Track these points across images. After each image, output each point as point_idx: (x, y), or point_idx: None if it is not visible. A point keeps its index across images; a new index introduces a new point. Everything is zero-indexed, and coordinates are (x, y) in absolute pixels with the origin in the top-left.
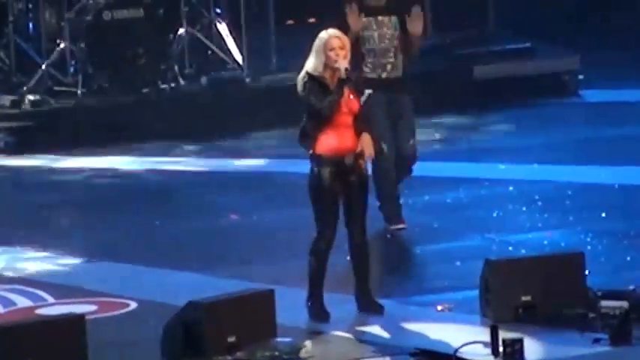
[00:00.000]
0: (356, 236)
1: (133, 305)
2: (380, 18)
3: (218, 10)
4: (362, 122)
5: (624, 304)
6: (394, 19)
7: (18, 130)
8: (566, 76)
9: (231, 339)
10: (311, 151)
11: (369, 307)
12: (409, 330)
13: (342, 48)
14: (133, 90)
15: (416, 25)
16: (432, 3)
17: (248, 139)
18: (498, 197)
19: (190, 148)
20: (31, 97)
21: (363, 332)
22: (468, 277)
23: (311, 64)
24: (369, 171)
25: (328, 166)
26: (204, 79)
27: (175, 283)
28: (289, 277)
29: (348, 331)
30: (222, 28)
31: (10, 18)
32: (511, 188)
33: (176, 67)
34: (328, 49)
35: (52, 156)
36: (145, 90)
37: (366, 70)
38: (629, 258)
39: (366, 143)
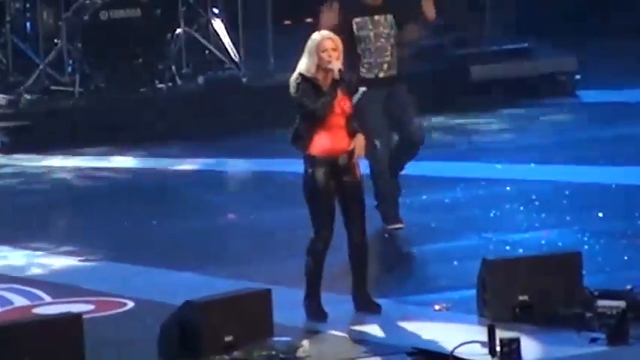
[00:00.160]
0: (355, 237)
1: (130, 304)
2: (376, 17)
3: (215, 10)
4: (355, 123)
5: (621, 303)
6: (390, 17)
7: (15, 130)
8: (563, 77)
9: (228, 338)
10: (305, 153)
11: (366, 307)
12: (406, 329)
13: (334, 49)
14: (130, 90)
15: (430, 10)
16: None
17: (245, 138)
18: (496, 197)
19: (188, 147)
20: (28, 96)
21: (360, 332)
22: (465, 276)
23: (304, 65)
24: (366, 170)
25: (322, 167)
26: (201, 79)
27: (172, 282)
28: (286, 276)
29: (345, 331)
30: (218, 25)
31: (8, 17)
32: (508, 188)
33: (173, 67)
34: (321, 50)
35: (49, 155)
36: (142, 90)
37: (363, 70)
38: (626, 258)
39: (359, 144)
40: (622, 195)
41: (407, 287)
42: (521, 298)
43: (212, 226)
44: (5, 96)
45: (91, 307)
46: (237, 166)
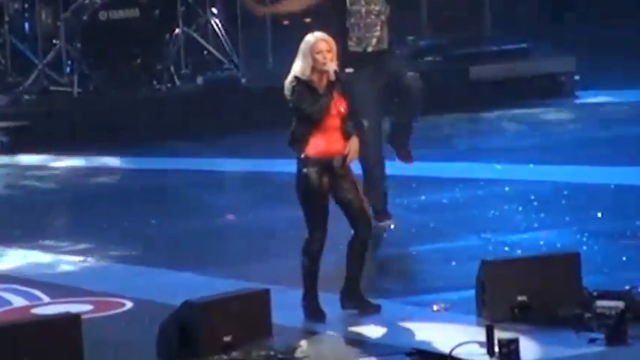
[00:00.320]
0: (362, 233)
1: (129, 305)
2: None
3: (214, 10)
4: (350, 123)
5: (620, 304)
6: None
7: (14, 130)
8: (562, 77)
9: (227, 338)
10: (300, 154)
11: (364, 308)
12: (405, 330)
13: (329, 50)
14: (129, 90)
15: None
16: (429, 3)
17: (244, 138)
18: (494, 197)
19: (187, 147)
20: (27, 96)
21: (359, 332)
22: (463, 277)
23: (298, 67)
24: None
25: (315, 167)
26: (200, 80)
27: (171, 282)
28: (285, 276)
29: (343, 331)
30: (215, 23)
31: (6, 18)
32: (507, 188)
33: (172, 68)
34: (315, 52)
35: (48, 156)
36: (141, 90)
37: (351, 44)
38: (624, 258)
39: (353, 148)
40: (621, 195)
41: (405, 288)
42: (519, 298)
43: (211, 226)
44: (4, 96)
45: (89, 307)
46: (235, 167)
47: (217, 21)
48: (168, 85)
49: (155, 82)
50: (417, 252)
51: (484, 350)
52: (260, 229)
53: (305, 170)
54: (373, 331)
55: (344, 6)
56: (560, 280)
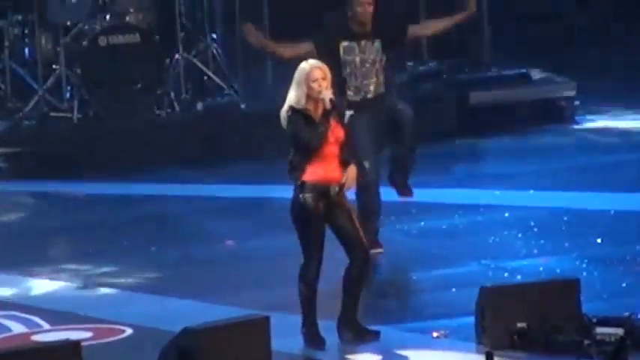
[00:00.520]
0: (358, 261)
1: (129, 331)
2: (363, 42)
3: (214, 36)
4: (348, 151)
5: (620, 330)
6: (377, 43)
7: (14, 156)
8: (562, 103)
9: None
10: (297, 181)
11: (362, 336)
12: (405, 356)
13: (324, 78)
14: (128, 115)
15: (472, 4)
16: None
17: (244, 164)
18: (494, 223)
19: (186, 174)
20: (26, 122)
21: (359, 359)
22: (463, 303)
23: (293, 96)
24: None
25: (312, 193)
26: (200, 105)
27: (171, 309)
28: (285, 303)
29: (342, 358)
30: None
31: (6, 43)
32: (507, 214)
33: (172, 93)
34: (311, 80)
35: (48, 182)
36: (140, 115)
37: (350, 93)
38: (624, 284)
39: (351, 176)
40: (620, 221)
41: (405, 314)
42: (519, 325)
43: (211, 252)
44: (4, 122)
45: (89, 334)
46: (235, 193)
47: (217, 47)
48: (168, 110)
49: (155, 108)
50: (417, 278)
51: None
52: (260, 255)
53: (301, 195)
54: (372, 357)
55: (337, 56)
56: (560, 306)
